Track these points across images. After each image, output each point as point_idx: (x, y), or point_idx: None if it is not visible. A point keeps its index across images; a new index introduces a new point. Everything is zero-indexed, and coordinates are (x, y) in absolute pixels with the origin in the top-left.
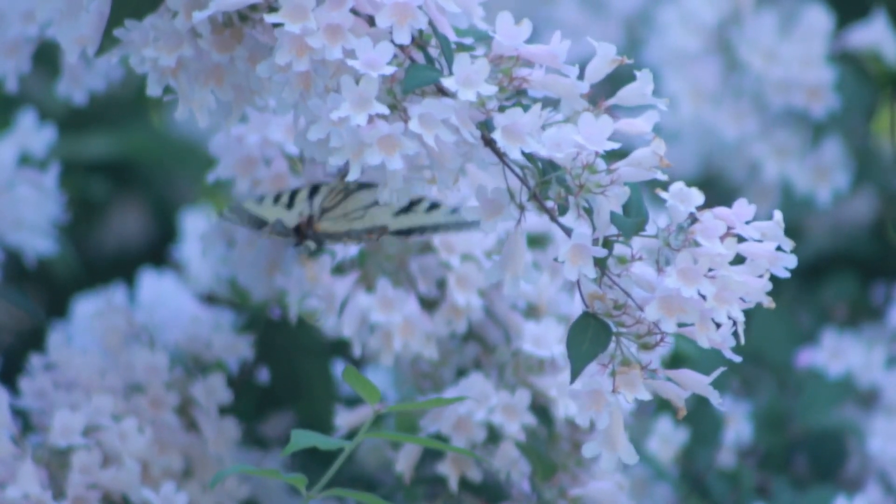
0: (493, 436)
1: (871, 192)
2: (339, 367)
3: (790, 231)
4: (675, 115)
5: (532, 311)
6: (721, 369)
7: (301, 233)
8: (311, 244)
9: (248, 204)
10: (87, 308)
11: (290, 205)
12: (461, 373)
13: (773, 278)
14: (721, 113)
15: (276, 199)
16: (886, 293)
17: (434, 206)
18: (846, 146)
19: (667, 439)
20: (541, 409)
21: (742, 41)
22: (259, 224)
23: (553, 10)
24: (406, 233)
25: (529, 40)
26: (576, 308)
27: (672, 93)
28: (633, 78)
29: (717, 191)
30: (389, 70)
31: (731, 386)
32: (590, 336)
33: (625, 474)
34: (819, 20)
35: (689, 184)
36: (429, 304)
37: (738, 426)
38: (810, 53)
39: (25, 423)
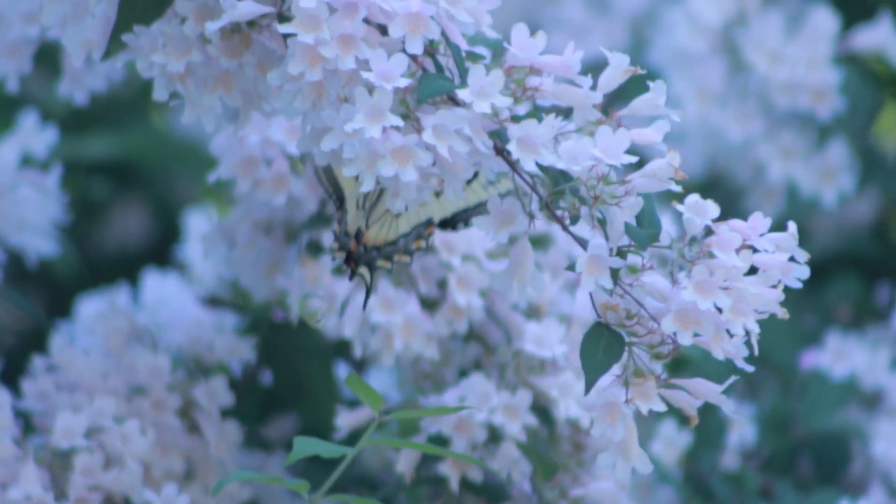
0: (494, 436)
1: (875, 193)
2: (341, 369)
3: None
4: (680, 116)
5: (533, 312)
6: (733, 378)
7: (352, 258)
8: (366, 273)
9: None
10: (90, 309)
11: None
12: (462, 373)
13: None
14: (726, 114)
15: None
16: (891, 294)
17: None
18: (851, 147)
19: (670, 442)
20: (542, 409)
21: (748, 42)
22: (339, 198)
23: (558, 10)
24: (451, 222)
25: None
26: (579, 310)
27: (677, 93)
28: (640, 80)
29: (723, 192)
30: (404, 82)
31: (735, 388)
32: (603, 346)
33: None
34: (825, 22)
35: (695, 184)
36: (430, 305)
37: (741, 428)
38: (816, 55)
39: (27, 424)
